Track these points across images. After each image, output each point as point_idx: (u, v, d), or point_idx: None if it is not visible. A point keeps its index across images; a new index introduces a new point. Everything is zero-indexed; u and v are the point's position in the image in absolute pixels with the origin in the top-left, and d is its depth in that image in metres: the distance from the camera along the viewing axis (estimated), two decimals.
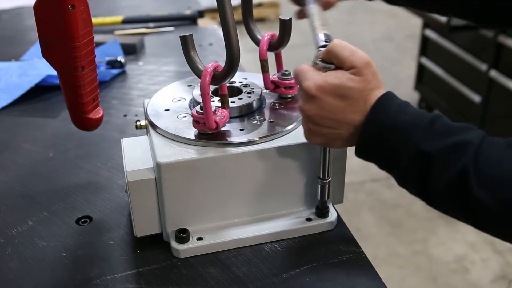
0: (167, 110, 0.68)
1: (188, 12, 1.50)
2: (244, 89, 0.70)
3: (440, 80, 2.44)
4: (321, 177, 0.64)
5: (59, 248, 0.65)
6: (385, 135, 0.58)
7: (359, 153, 0.61)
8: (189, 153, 0.61)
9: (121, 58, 1.17)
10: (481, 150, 0.55)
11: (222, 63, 0.60)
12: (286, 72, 0.70)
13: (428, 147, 0.56)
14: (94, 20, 1.41)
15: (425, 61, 2.54)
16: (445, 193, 0.57)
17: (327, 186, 0.65)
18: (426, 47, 2.54)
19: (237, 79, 0.73)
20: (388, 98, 0.59)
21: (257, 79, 0.72)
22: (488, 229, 0.58)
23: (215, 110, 0.62)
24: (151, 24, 1.45)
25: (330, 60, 0.60)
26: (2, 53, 1.29)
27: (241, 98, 0.68)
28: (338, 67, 0.60)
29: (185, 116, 0.67)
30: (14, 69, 1.15)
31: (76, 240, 0.66)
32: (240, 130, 0.64)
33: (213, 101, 0.65)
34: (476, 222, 0.58)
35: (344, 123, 0.60)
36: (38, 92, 1.06)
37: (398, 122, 0.58)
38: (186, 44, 0.61)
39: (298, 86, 0.62)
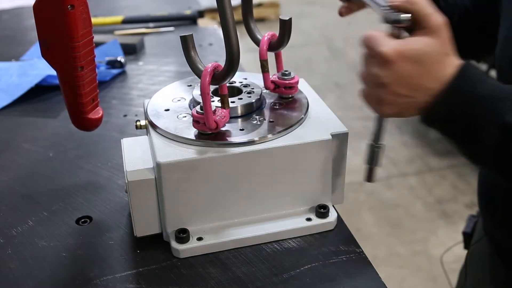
0: (167, 110, 0.68)
1: (188, 12, 1.50)
2: (244, 89, 0.70)
3: None
4: (374, 141, 0.65)
5: (59, 248, 0.65)
6: (470, 106, 0.58)
7: (430, 122, 0.61)
8: (189, 153, 0.61)
9: (121, 58, 1.17)
10: None
11: (222, 63, 0.60)
12: (286, 72, 0.70)
13: None
14: (94, 20, 1.42)
15: None
16: None
17: (379, 151, 0.66)
18: None
19: (237, 79, 0.72)
20: (467, 67, 0.59)
21: (257, 79, 0.72)
22: None
23: (215, 110, 0.62)
24: (151, 24, 1.45)
25: (408, 11, 0.59)
26: (2, 53, 1.29)
27: (241, 98, 0.68)
28: (410, 28, 0.60)
29: (185, 116, 0.67)
30: (14, 69, 1.15)
31: (76, 240, 0.66)
32: (240, 130, 0.64)
33: (213, 101, 0.65)
34: None
35: (421, 90, 0.59)
36: (38, 92, 1.06)
37: (482, 93, 0.58)
38: (186, 44, 0.61)
39: (369, 53, 0.60)
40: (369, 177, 0.68)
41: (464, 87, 0.58)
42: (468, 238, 0.97)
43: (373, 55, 0.60)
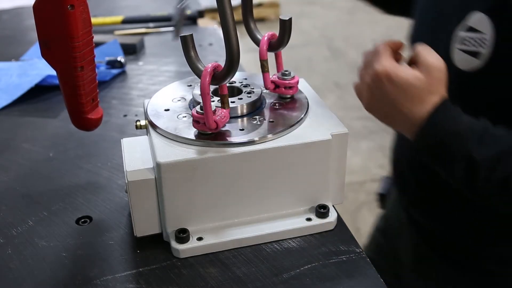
0: (167, 110, 0.68)
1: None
2: (244, 89, 0.70)
3: None
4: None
5: (59, 248, 0.65)
6: (442, 142, 0.66)
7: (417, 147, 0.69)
8: (189, 153, 0.61)
9: (121, 58, 1.17)
10: None
11: (222, 63, 0.60)
12: (286, 72, 0.70)
13: (479, 155, 0.64)
14: (94, 20, 1.42)
15: None
16: (489, 193, 0.66)
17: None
18: None
19: (237, 79, 0.72)
20: (446, 105, 0.66)
21: (257, 79, 0.72)
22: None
23: (215, 110, 0.62)
24: (151, 24, 1.45)
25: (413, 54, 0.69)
26: (2, 53, 1.29)
27: (241, 98, 0.68)
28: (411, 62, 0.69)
29: (185, 116, 0.67)
30: (14, 69, 1.15)
31: (76, 240, 0.66)
32: (240, 130, 0.64)
33: (213, 101, 0.65)
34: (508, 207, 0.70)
35: (401, 114, 0.67)
36: (38, 92, 1.06)
37: (454, 131, 0.65)
38: (186, 44, 0.61)
39: (366, 64, 0.70)
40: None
41: (435, 128, 0.66)
42: (382, 198, 1.10)
43: (368, 67, 0.69)
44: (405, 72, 0.66)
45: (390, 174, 1.02)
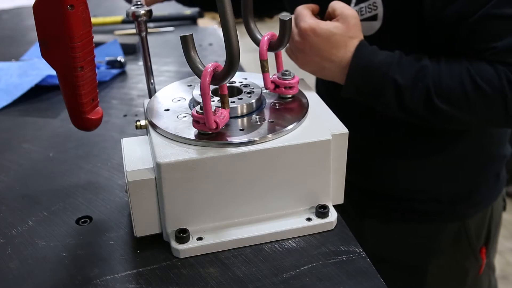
0: (167, 110, 0.68)
1: (188, 12, 1.51)
2: (244, 89, 0.70)
3: None
4: None
5: (59, 248, 0.65)
6: (368, 76, 0.79)
7: (345, 93, 0.82)
8: (189, 153, 0.61)
9: (121, 58, 1.17)
10: (435, 70, 0.78)
11: (222, 63, 0.60)
12: (286, 72, 0.70)
13: (402, 78, 0.78)
14: (94, 20, 1.42)
15: None
16: (417, 108, 0.78)
17: None
18: None
19: (237, 79, 0.73)
20: (366, 44, 0.80)
21: (257, 79, 0.72)
22: (439, 122, 0.82)
23: (215, 110, 0.62)
24: (151, 24, 1.45)
25: (330, 6, 0.82)
26: (2, 53, 1.29)
27: (241, 98, 0.68)
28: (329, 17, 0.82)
29: (185, 116, 0.67)
30: (14, 69, 1.15)
31: (76, 240, 0.66)
32: (240, 130, 0.64)
33: (213, 101, 0.65)
34: (433, 121, 0.81)
35: (329, 61, 0.81)
36: (38, 92, 1.06)
37: (375, 64, 0.79)
38: (186, 44, 0.61)
39: (295, 25, 0.82)
40: None
41: (361, 62, 0.79)
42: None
43: (296, 27, 0.81)
44: (326, 24, 0.79)
45: None
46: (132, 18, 0.73)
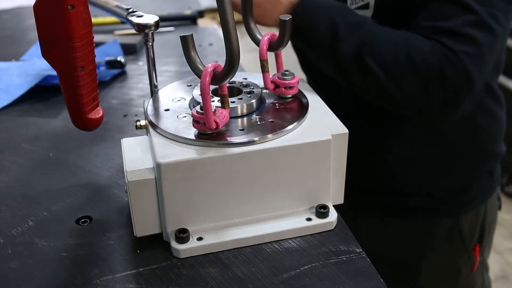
0: (167, 110, 0.68)
1: (188, 12, 1.51)
2: (244, 89, 0.70)
3: None
4: None
5: (59, 248, 0.65)
6: (312, 9, 0.82)
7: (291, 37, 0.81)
8: (189, 153, 0.61)
9: (121, 58, 1.17)
10: (375, 28, 0.80)
11: (222, 63, 0.60)
12: (286, 72, 0.70)
13: (342, 21, 0.80)
14: (94, 20, 1.42)
15: None
16: (349, 62, 0.80)
17: None
18: None
19: (237, 79, 0.73)
20: None
21: (257, 79, 0.72)
22: (371, 91, 0.82)
23: (215, 110, 0.62)
24: None
25: None
26: (2, 53, 1.29)
27: (241, 98, 0.68)
28: None
29: (185, 116, 0.67)
30: (14, 69, 1.15)
31: (76, 240, 0.66)
32: (240, 130, 0.64)
33: (213, 101, 0.65)
34: (364, 86, 0.82)
35: (275, 3, 0.85)
36: (38, 92, 1.06)
37: (322, 2, 0.83)
38: (186, 44, 0.61)
39: None
40: None
41: (306, 3, 0.83)
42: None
43: None
44: None
45: None
46: (137, 30, 0.73)
